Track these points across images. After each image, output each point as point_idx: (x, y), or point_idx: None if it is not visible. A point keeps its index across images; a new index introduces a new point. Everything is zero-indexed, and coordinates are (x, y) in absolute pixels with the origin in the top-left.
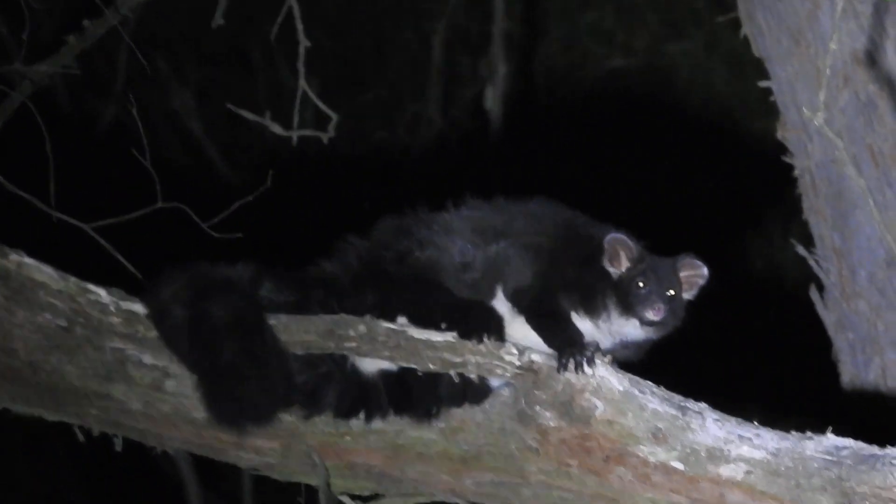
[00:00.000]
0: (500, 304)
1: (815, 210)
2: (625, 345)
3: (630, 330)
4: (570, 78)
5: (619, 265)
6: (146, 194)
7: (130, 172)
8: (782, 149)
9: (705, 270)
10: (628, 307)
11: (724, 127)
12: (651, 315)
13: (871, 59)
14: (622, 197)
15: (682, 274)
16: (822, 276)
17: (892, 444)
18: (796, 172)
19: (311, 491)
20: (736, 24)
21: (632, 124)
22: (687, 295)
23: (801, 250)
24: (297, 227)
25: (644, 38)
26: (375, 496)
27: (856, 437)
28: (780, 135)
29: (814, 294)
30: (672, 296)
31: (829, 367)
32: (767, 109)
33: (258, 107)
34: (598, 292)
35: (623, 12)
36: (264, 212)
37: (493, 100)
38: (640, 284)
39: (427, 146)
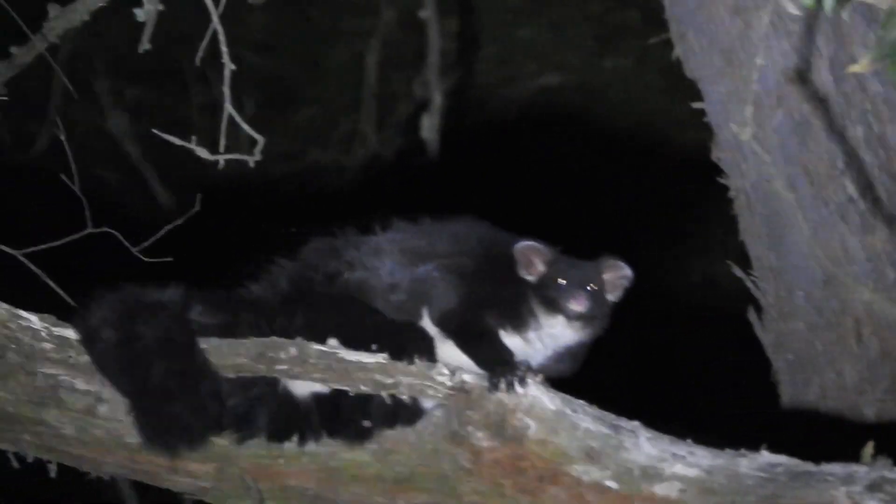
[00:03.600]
0: (429, 326)
1: (751, 230)
2: (557, 357)
3: (559, 330)
4: (501, 95)
5: (534, 271)
6: (79, 219)
7: (63, 197)
8: (718, 167)
9: (628, 271)
10: (551, 303)
11: (657, 144)
12: (574, 305)
13: (804, 78)
14: (558, 215)
15: (605, 275)
16: (758, 296)
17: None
18: (731, 193)
19: None
20: (669, 43)
21: (564, 142)
22: (612, 296)
23: (737, 271)
24: (228, 249)
25: (577, 54)
26: None
27: (793, 456)
28: (714, 155)
29: (752, 315)
30: (594, 290)
31: (770, 387)
32: (701, 126)
33: (195, 127)
34: (521, 302)
35: (556, 28)
36: (196, 234)
37: (429, 128)
38: (559, 280)
39: (361, 165)
